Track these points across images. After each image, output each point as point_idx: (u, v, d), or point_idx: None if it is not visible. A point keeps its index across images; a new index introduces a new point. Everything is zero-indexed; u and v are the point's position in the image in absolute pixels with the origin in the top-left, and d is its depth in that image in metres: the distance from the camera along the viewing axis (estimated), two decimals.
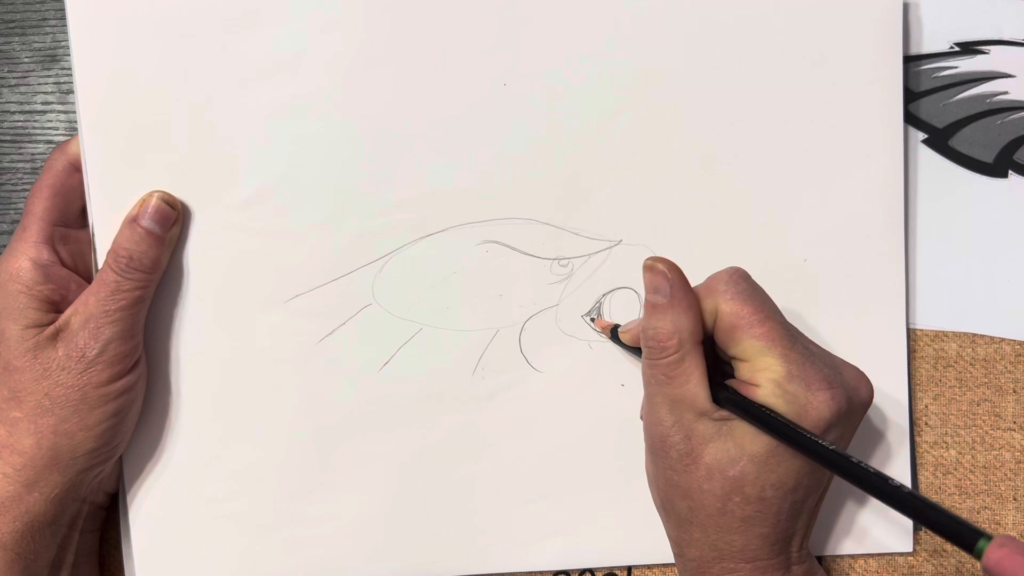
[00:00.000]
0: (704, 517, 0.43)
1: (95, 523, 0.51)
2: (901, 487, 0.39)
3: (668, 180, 0.50)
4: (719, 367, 0.46)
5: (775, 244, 0.51)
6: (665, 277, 0.44)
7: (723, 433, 0.43)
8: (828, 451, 0.41)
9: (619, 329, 0.49)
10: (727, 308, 0.44)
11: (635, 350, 0.48)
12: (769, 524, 0.43)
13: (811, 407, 0.42)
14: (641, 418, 0.47)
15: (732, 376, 0.45)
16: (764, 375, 0.43)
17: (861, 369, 0.45)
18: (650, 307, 0.44)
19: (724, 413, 0.43)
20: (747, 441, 0.42)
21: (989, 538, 0.36)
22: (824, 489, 0.45)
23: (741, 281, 0.45)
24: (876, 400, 0.51)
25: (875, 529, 0.52)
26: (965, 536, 0.36)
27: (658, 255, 0.45)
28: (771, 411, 0.42)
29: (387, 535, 0.51)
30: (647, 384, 0.45)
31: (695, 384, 0.43)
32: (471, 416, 0.51)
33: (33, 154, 0.53)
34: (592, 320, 0.51)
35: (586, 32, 0.49)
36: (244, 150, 0.49)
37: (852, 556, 0.53)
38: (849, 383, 0.44)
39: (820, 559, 0.52)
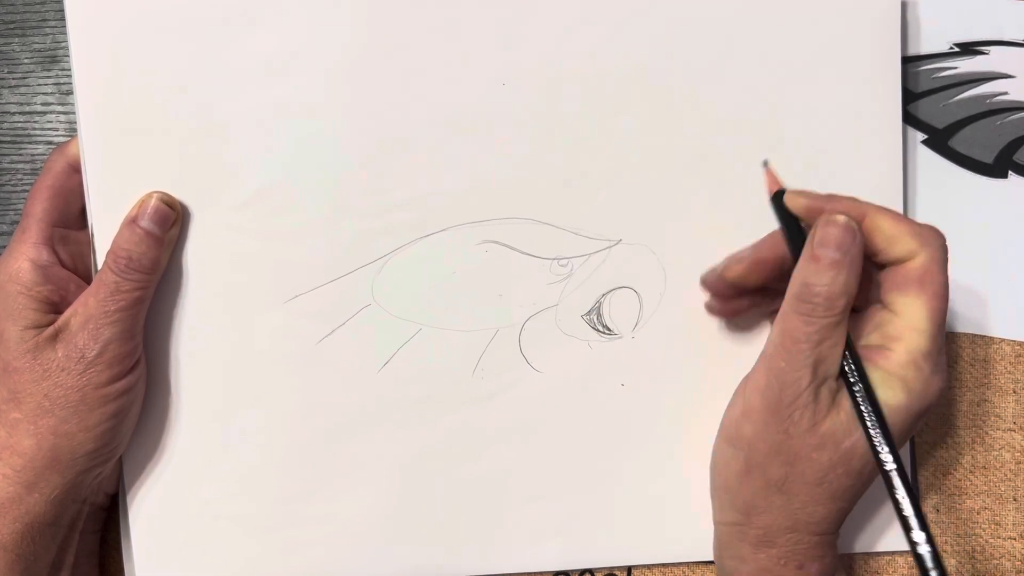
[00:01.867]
0: (799, 485, 0.43)
1: (95, 524, 0.51)
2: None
3: (668, 180, 0.50)
4: None
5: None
6: (853, 235, 0.42)
7: (838, 403, 0.42)
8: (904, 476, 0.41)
9: (790, 192, 0.45)
10: (924, 264, 0.43)
11: (783, 214, 0.45)
12: (852, 499, 0.43)
13: (931, 389, 0.43)
14: (731, 270, 0.47)
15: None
16: (905, 343, 0.43)
17: None
18: (820, 262, 0.42)
19: (840, 383, 0.43)
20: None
21: None
22: None
23: (946, 250, 0.44)
24: None
25: (875, 529, 0.52)
26: None
27: (837, 211, 0.43)
28: (875, 409, 0.42)
29: (387, 535, 0.51)
30: (792, 340, 0.43)
31: (840, 350, 0.42)
32: (471, 416, 0.51)
33: (33, 155, 0.53)
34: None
35: (585, 32, 0.49)
36: (244, 150, 0.49)
37: (851, 555, 0.53)
38: (946, 372, 0.44)
39: None
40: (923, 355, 0.43)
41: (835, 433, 0.42)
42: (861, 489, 0.44)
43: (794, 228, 0.45)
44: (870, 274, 0.45)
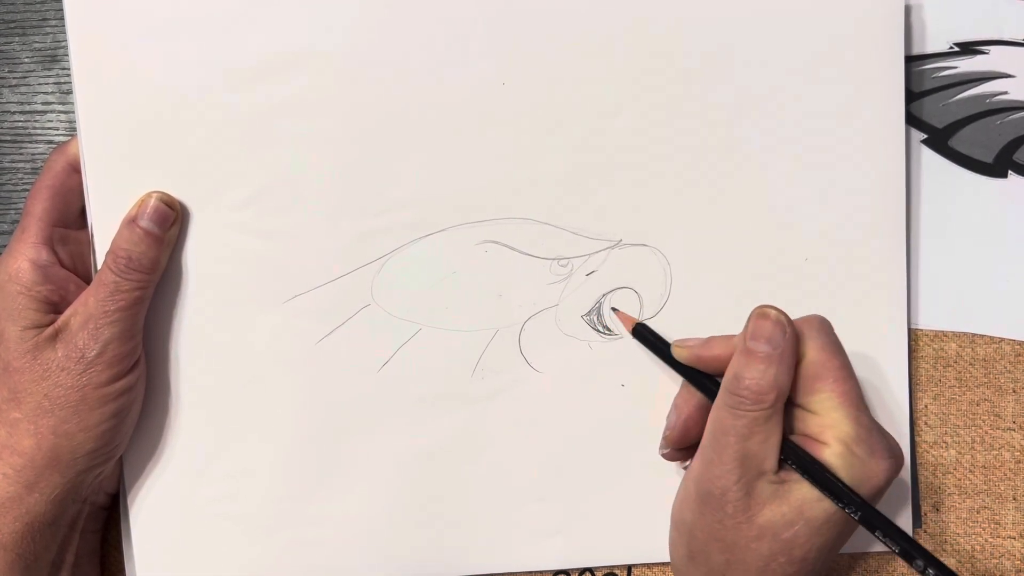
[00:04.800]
0: (741, 572, 0.43)
1: (96, 523, 0.51)
2: (943, 568, 0.42)
3: (668, 180, 0.50)
4: None
5: (775, 244, 0.51)
6: (782, 329, 0.43)
7: (780, 495, 0.42)
8: (891, 526, 0.42)
9: (675, 344, 0.47)
10: (815, 357, 0.43)
11: (678, 366, 0.47)
12: None
13: (873, 474, 0.42)
14: (668, 440, 0.47)
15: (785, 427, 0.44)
16: (832, 433, 0.43)
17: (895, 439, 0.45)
18: (752, 356, 0.43)
19: (783, 475, 0.43)
20: (806, 506, 0.42)
21: None
22: (841, 547, 0.45)
23: (831, 332, 0.44)
24: (876, 400, 0.51)
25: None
26: None
27: (771, 304, 0.44)
28: (839, 479, 0.42)
29: (387, 535, 0.51)
30: (720, 433, 0.43)
31: (773, 444, 0.42)
32: (471, 416, 0.51)
33: (33, 154, 0.53)
34: (613, 310, 0.50)
35: (585, 31, 0.49)
36: (243, 150, 0.49)
37: (852, 555, 0.53)
38: (896, 452, 0.44)
39: None
40: (853, 441, 0.42)
41: (774, 524, 0.42)
42: (811, 570, 0.43)
43: (695, 376, 0.47)
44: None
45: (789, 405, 0.44)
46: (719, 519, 0.43)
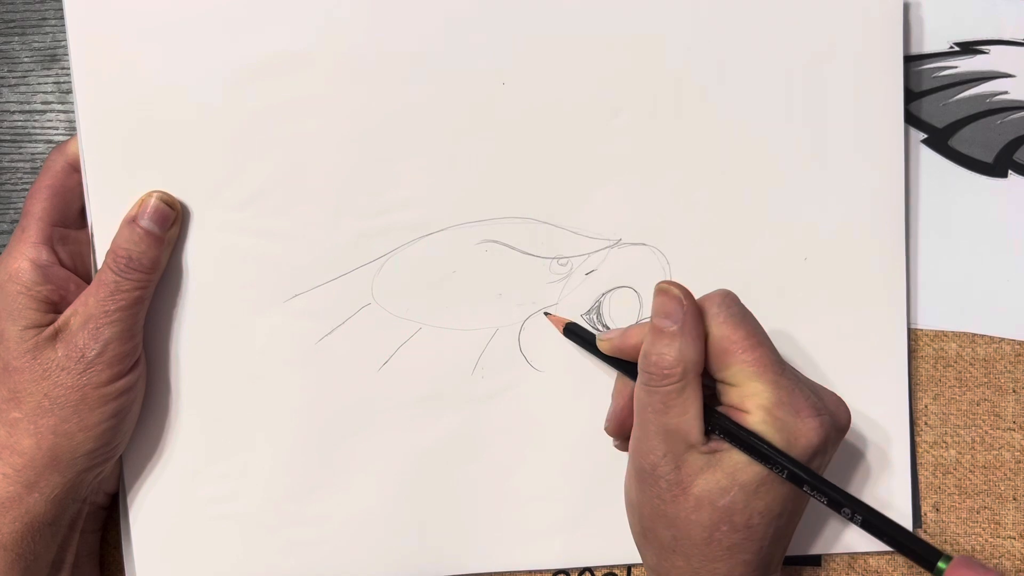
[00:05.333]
0: (689, 546, 0.43)
1: (95, 523, 0.51)
2: (872, 512, 0.42)
3: (668, 180, 0.50)
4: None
5: (775, 244, 0.51)
6: (680, 304, 0.43)
7: (712, 464, 0.42)
8: (819, 481, 0.42)
9: (599, 338, 0.48)
10: (719, 332, 0.43)
11: (606, 358, 0.47)
12: (753, 551, 0.43)
13: (800, 434, 0.42)
14: (607, 430, 0.47)
15: (714, 400, 0.45)
16: (753, 401, 0.43)
17: (838, 394, 0.46)
18: (657, 332, 0.43)
19: (713, 445, 0.43)
20: (738, 471, 0.42)
21: (949, 559, 0.41)
22: (801, 513, 0.45)
23: (733, 304, 0.44)
24: (876, 399, 0.51)
25: None
26: (927, 556, 0.42)
27: (671, 279, 0.44)
28: (763, 440, 0.42)
29: (387, 535, 0.51)
30: (641, 410, 0.44)
31: (692, 416, 0.42)
32: (470, 415, 0.51)
33: (33, 154, 0.53)
34: (545, 314, 0.50)
35: (585, 32, 0.49)
36: (243, 150, 0.49)
37: (852, 555, 0.53)
38: (831, 409, 0.44)
39: (820, 558, 0.52)
40: (774, 405, 0.42)
41: (709, 493, 0.42)
42: (758, 538, 0.43)
43: (622, 365, 0.47)
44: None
45: (713, 381, 0.45)
46: (657, 494, 0.43)
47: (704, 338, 0.43)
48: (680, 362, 0.42)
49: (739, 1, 0.50)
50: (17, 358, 0.45)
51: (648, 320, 0.46)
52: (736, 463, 0.42)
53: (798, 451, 0.42)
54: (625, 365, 0.47)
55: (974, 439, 0.53)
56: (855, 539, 0.52)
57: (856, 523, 0.42)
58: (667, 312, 0.43)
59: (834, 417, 0.44)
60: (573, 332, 0.50)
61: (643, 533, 0.45)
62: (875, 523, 0.42)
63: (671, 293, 0.43)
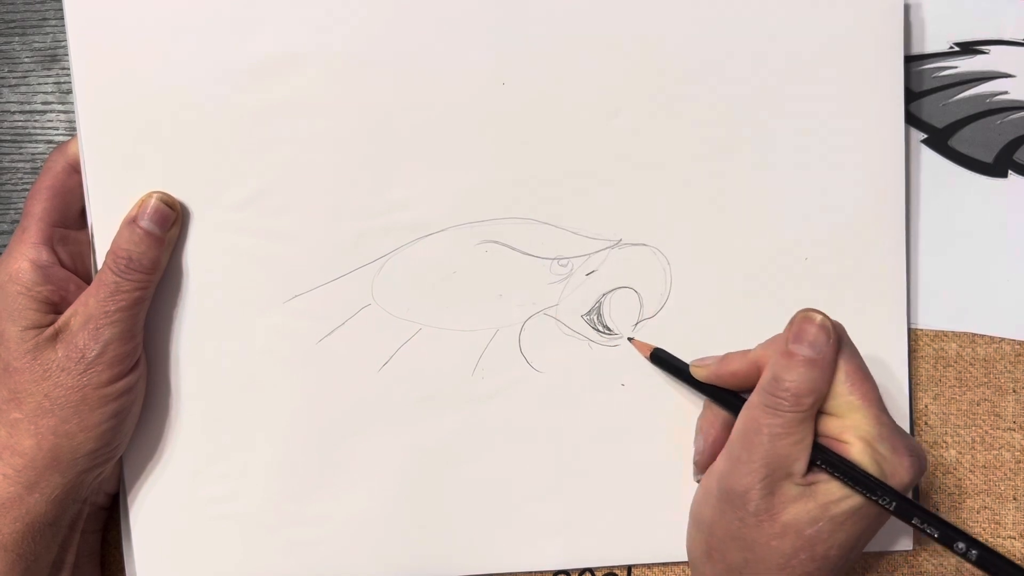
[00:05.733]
0: (762, 570, 0.43)
1: (96, 524, 0.51)
2: (987, 549, 0.42)
3: (668, 179, 0.50)
4: None
5: (775, 243, 0.51)
6: (828, 334, 0.43)
7: (807, 495, 0.43)
8: (927, 513, 0.43)
9: (693, 364, 0.48)
10: (841, 362, 0.44)
11: (699, 385, 0.48)
12: None
13: (896, 471, 0.43)
14: (698, 465, 0.48)
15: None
16: (854, 433, 0.43)
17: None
18: (795, 358, 0.43)
19: (811, 478, 0.43)
20: (832, 503, 0.42)
21: None
22: (864, 546, 0.45)
23: (846, 336, 0.45)
24: None
25: None
26: None
27: (818, 308, 0.44)
28: (868, 473, 0.42)
29: (387, 535, 0.51)
30: (753, 432, 0.43)
31: (804, 447, 0.43)
32: (471, 416, 0.51)
33: (33, 154, 0.53)
34: (629, 340, 0.50)
35: (585, 32, 0.49)
36: (243, 150, 0.49)
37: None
38: (920, 453, 0.44)
39: None
40: (875, 439, 0.43)
41: (798, 522, 0.42)
42: (830, 568, 0.43)
43: (717, 393, 0.47)
44: None
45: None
46: (740, 517, 0.43)
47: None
48: (813, 392, 0.43)
49: (739, 1, 0.50)
50: (17, 359, 0.45)
51: (745, 350, 0.46)
52: (831, 495, 0.43)
53: (893, 486, 0.43)
54: (719, 393, 0.47)
55: (974, 439, 0.53)
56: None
57: (970, 560, 0.42)
58: (811, 340, 0.43)
59: (921, 459, 0.44)
60: (660, 359, 0.50)
61: (708, 552, 0.45)
62: (992, 561, 0.42)
63: (818, 321, 0.44)
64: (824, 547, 0.42)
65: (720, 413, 0.47)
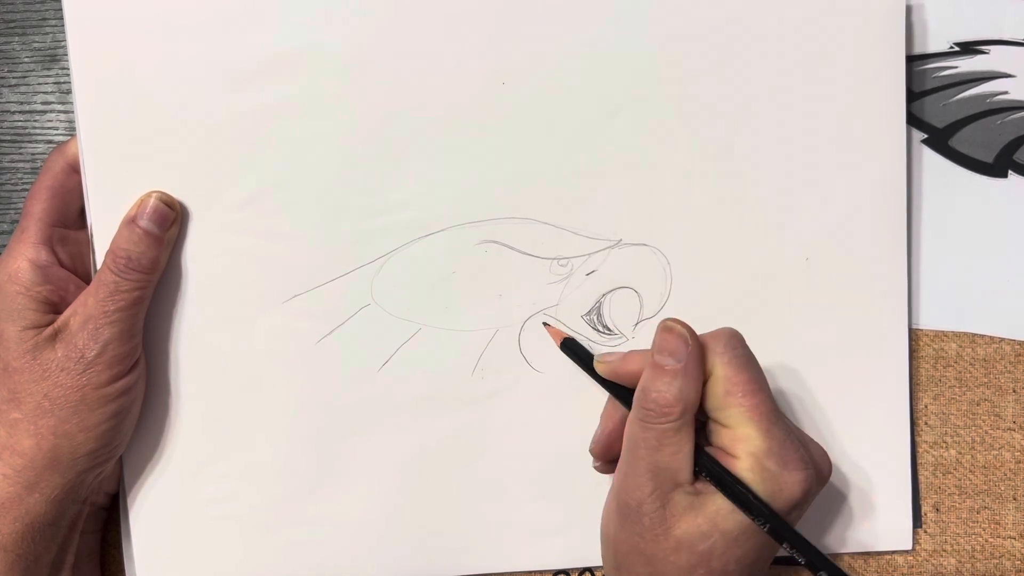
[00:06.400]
0: None
1: (96, 524, 0.51)
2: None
3: (668, 180, 0.50)
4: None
5: (776, 244, 0.51)
6: (684, 343, 0.43)
7: (696, 507, 0.42)
8: (798, 540, 0.42)
9: (597, 358, 0.47)
10: (722, 372, 0.43)
11: (600, 379, 0.47)
12: None
13: (785, 486, 0.42)
14: (593, 452, 0.47)
15: (703, 437, 0.44)
16: (744, 447, 0.43)
17: (823, 447, 0.46)
18: (658, 369, 0.43)
19: (699, 487, 0.43)
20: (720, 518, 0.42)
21: None
22: (772, 558, 0.45)
23: (739, 346, 0.44)
24: (876, 399, 0.51)
25: (875, 528, 0.52)
26: None
27: (676, 316, 0.44)
28: (750, 491, 0.42)
29: (387, 535, 0.51)
30: (632, 447, 0.43)
31: (684, 455, 0.43)
32: (470, 416, 0.51)
33: (33, 154, 0.53)
34: (544, 324, 0.50)
35: (585, 32, 0.49)
36: (242, 150, 0.49)
37: (852, 555, 0.53)
38: (817, 462, 0.44)
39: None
40: (764, 455, 0.42)
41: (690, 537, 0.42)
42: None
43: (617, 390, 0.47)
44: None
45: (706, 419, 0.45)
46: (638, 531, 0.43)
47: (704, 378, 0.44)
48: (680, 401, 0.42)
49: (740, 1, 0.50)
50: (17, 359, 0.45)
51: (647, 349, 0.46)
52: (719, 509, 0.42)
53: (781, 503, 0.42)
54: (619, 390, 0.47)
55: (974, 439, 0.53)
56: (856, 540, 0.52)
57: None
58: (671, 350, 0.43)
59: (819, 470, 0.44)
60: (570, 348, 0.49)
61: (617, 567, 0.45)
62: None
63: (676, 331, 0.43)
64: (720, 562, 0.42)
65: (620, 408, 0.47)
